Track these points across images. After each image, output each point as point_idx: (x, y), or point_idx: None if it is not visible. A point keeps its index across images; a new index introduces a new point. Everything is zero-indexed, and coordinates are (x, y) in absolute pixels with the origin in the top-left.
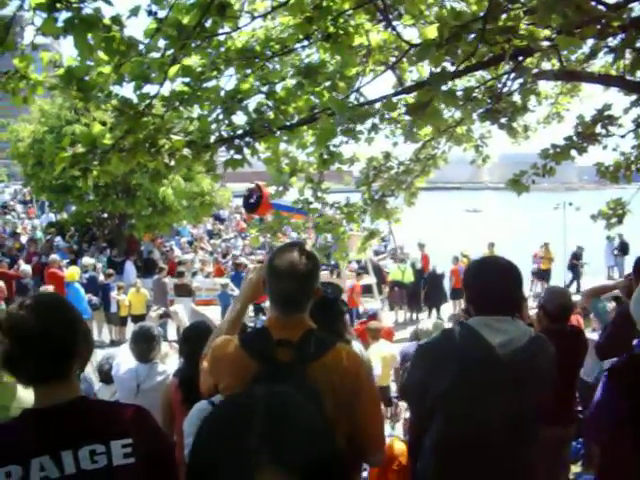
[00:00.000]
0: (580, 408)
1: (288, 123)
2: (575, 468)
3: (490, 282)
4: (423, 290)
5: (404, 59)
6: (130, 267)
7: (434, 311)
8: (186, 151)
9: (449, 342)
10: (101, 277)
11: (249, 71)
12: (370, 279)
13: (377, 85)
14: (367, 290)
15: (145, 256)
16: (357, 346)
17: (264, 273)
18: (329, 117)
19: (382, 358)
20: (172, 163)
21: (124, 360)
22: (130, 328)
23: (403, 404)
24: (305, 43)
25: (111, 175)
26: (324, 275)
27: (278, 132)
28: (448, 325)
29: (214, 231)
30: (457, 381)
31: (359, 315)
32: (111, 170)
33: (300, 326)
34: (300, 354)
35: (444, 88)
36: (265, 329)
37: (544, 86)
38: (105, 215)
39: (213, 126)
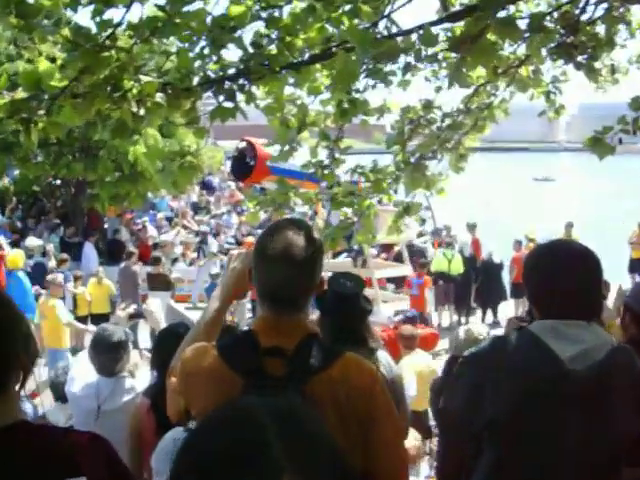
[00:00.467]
0: None
1: (296, 60)
2: None
3: (560, 275)
4: (474, 284)
5: None
6: (90, 251)
7: (489, 312)
8: (160, 97)
9: (502, 354)
10: (52, 263)
11: None
12: (406, 269)
13: (414, 10)
14: (402, 284)
15: (110, 236)
16: (384, 357)
17: (251, 260)
18: (349, 53)
19: (418, 374)
20: (141, 112)
21: (81, 373)
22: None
23: None
24: None
25: (62, 128)
26: (345, 264)
27: (282, 72)
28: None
29: (201, 204)
30: (513, 408)
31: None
32: (62, 122)
33: (297, 330)
34: (296, 367)
35: (501, 15)
36: (251, 334)
37: (638, 12)
38: (58, 182)
39: (196, 63)
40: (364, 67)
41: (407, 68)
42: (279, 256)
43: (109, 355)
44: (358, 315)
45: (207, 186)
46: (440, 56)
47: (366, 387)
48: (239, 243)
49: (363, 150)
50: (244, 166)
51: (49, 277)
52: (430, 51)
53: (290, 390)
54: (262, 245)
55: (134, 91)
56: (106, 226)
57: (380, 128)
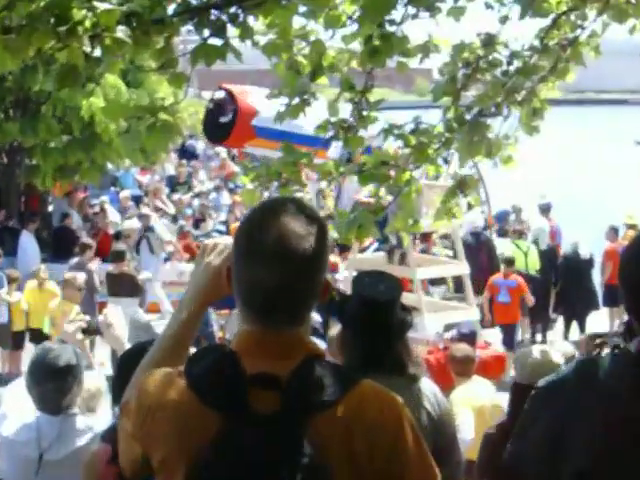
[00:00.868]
0: None
1: None
2: None
3: None
4: (554, 288)
5: None
6: (28, 242)
7: (574, 325)
8: (122, 31)
9: (593, 382)
10: None
11: None
12: (457, 267)
13: None
14: (456, 287)
15: (56, 223)
16: (429, 388)
17: (230, 255)
18: None
19: (477, 410)
20: (97, 53)
21: (15, 410)
22: (29, 352)
23: None
24: None
25: None
26: (376, 260)
27: None
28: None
29: (179, 178)
30: (612, 455)
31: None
32: None
33: (294, 351)
34: (293, 401)
35: None
36: (232, 356)
37: None
38: None
39: None
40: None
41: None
42: (270, 251)
43: (53, 385)
44: (393, 330)
45: (188, 153)
46: None
47: (389, 426)
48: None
49: (401, 104)
50: (221, 124)
51: None
52: None
53: (285, 434)
54: (246, 236)
55: (87, 24)
56: (50, 209)
57: (424, 73)
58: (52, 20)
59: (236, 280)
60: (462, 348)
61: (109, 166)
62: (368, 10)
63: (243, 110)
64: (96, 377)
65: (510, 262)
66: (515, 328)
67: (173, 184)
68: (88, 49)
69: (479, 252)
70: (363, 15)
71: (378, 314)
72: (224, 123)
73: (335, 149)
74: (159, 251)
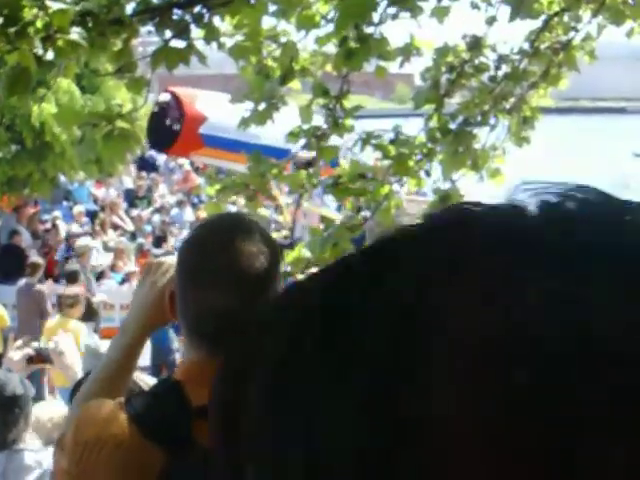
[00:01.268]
0: None
1: None
2: None
3: None
4: None
5: None
6: None
7: None
8: (77, 32)
9: None
10: None
11: None
12: None
13: None
14: None
15: (4, 241)
16: None
17: (173, 278)
18: None
19: None
20: (49, 55)
21: None
22: None
23: None
24: None
25: None
26: None
27: None
28: None
29: (138, 192)
30: None
31: None
32: None
33: None
34: None
35: None
36: (176, 387)
37: None
38: None
39: None
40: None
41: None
42: (217, 275)
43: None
44: None
45: (148, 165)
46: None
47: None
48: None
49: (380, 111)
50: (165, 131)
51: None
52: None
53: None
54: (189, 258)
55: (38, 24)
56: None
57: (405, 79)
58: (0, 20)
59: (181, 304)
60: None
61: (62, 179)
62: (343, 14)
63: (189, 116)
64: (58, 406)
65: None
66: None
67: (131, 198)
68: (40, 52)
69: None
70: (339, 18)
71: None
72: (169, 129)
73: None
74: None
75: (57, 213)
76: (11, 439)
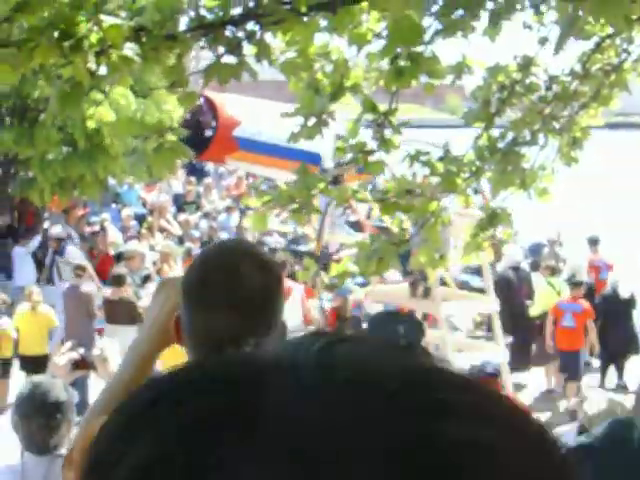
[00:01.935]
0: None
1: None
2: None
3: None
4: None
5: None
6: (23, 261)
7: (612, 369)
8: (131, 48)
9: (622, 445)
10: None
11: None
12: (488, 304)
13: None
14: (484, 325)
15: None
16: None
17: (178, 303)
18: None
19: None
20: (103, 70)
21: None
22: (17, 383)
23: None
24: None
25: None
26: (398, 293)
27: (311, 14)
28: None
29: (187, 196)
30: None
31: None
32: None
33: None
34: None
35: None
36: None
37: None
38: None
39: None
40: (430, 16)
41: (495, 19)
42: (218, 298)
43: (41, 422)
44: None
45: (197, 170)
46: (545, 5)
47: None
48: None
49: (431, 122)
50: (199, 136)
51: None
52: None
53: None
54: (191, 282)
55: (92, 39)
56: (46, 226)
57: (457, 90)
58: (56, 34)
59: (186, 327)
60: None
61: (111, 181)
62: (393, 38)
63: (223, 120)
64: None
65: (578, 285)
66: (579, 355)
67: (180, 203)
68: (93, 66)
69: (520, 287)
70: (388, 42)
71: None
72: (203, 134)
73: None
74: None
75: (106, 215)
76: (53, 444)
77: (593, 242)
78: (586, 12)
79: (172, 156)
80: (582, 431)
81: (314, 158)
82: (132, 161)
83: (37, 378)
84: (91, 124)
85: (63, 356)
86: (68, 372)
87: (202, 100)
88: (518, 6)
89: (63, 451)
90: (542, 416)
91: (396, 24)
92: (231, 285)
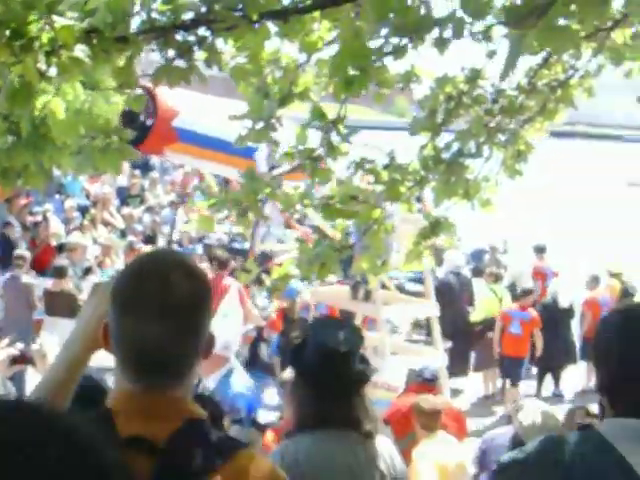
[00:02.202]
0: None
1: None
2: None
3: None
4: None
5: None
6: None
7: (548, 378)
8: (81, 49)
9: (554, 464)
10: None
11: None
12: (426, 308)
13: None
14: (424, 328)
15: None
16: (385, 446)
17: (106, 310)
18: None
19: (440, 469)
20: (52, 71)
21: None
22: None
23: None
24: None
25: None
26: (339, 294)
27: (263, 21)
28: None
29: (131, 190)
30: None
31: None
32: None
33: (173, 413)
34: (167, 467)
35: None
36: (106, 415)
37: None
38: None
39: (136, 1)
40: (378, 38)
41: (442, 43)
42: (151, 305)
43: None
44: (351, 382)
45: (142, 164)
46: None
47: None
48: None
49: (379, 124)
50: (138, 127)
51: None
52: (478, 25)
53: None
54: (120, 290)
55: (44, 40)
56: None
57: (406, 93)
58: (7, 33)
59: (114, 334)
60: (430, 400)
61: (55, 172)
62: (342, 58)
63: (162, 110)
64: None
65: (527, 293)
66: (522, 362)
67: (124, 196)
68: (43, 66)
69: (461, 293)
70: (338, 60)
71: (335, 365)
72: (142, 124)
73: (262, 160)
74: None
75: (49, 206)
76: None
77: (539, 250)
78: (533, 39)
79: (118, 157)
80: (516, 440)
81: (250, 151)
82: (79, 160)
83: None
84: (41, 112)
85: (2, 351)
86: (6, 367)
87: (143, 90)
88: (465, 32)
89: None
90: (480, 422)
91: (346, 45)
92: (161, 294)
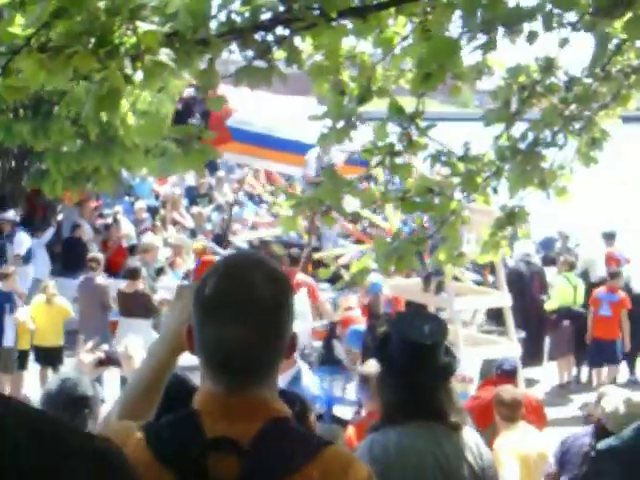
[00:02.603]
0: None
1: (360, 3)
2: None
3: None
4: None
5: None
6: (37, 253)
7: (623, 367)
8: (165, 53)
9: None
10: None
11: None
12: (499, 298)
13: None
14: (496, 319)
15: (67, 235)
16: (472, 438)
17: (190, 312)
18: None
19: (522, 459)
20: (138, 75)
21: None
22: (33, 375)
23: None
24: None
25: (24, 92)
26: (410, 287)
27: (341, 19)
28: None
29: (199, 189)
30: None
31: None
32: (23, 83)
33: (258, 413)
34: (255, 467)
35: None
36: (193, 416)
37: None
38: None
39: (214, 2)
40: (466, 35)
41: (532, 37)
42: (229, 306)
43: (69, 417)
44: (437, 374)
45: (208, 163)
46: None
47: None
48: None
49: (441, 115)
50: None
51: None
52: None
53: None
54: (203, 293)
55: (128, 44)
56: (60, 218)
57: (468, 85)
58: (93, 41)
59: (198, 337)
60: (510, 390)
61: (124, 174)
62: (429, 55)
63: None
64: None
65: (616, 275)
66: (616, 344)
67: (193, 195)
68: (129, 71)
69: (532, 281)
70: (425, 59)
71: (422, 358)
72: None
73: (312, 161)
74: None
75: (118, 208)
76: None
77: (609, 236)
78: (621, 32)
79: (202, 157)
80: (600, 430)
81: (301, 148)
82: (161, 164)
83: (64, 373)
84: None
85: (88, 354)
86: (93, 368)
87: (193, 90)
88: (555, 24)
89: None
90: (556, 410)
91: (435, 40)
92: (243, 295)
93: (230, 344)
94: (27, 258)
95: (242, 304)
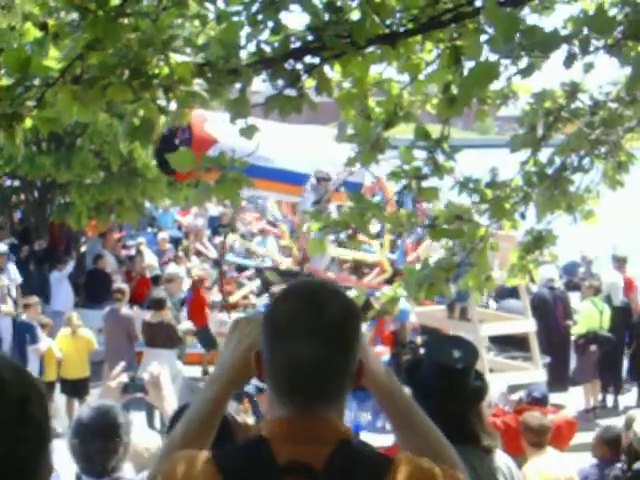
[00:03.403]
0: None
1: (388, 30)
2: None
3: None
4: (627, 349)
5: None
6: (61, 285)
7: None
8: (198, 83)
9: None
10: (5, 307)
11: None
12: (524, 324)
13: None
14: (517, 344)
15: (90, 266)
16: (503, 461)
17: (258, 339)
18: (475, 32)
19: None
20: (172, 105)
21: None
22: (59, 405)
23: None
24: None
25: (57, 124)
26: (434, 314)
27: (370, 47)
28: None
29: (222, 219)
30: None
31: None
32: (56, 116)
33: (327, 435)
34: None
35: None
36: (263, 442)
37: None
38: (14, 183)
39: (244, 32)
40: (502, 60)
41: (570, 60)
42: (298, 327)
43: (100, 444)
44: (468, 398)
45: None
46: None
47: None
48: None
49: (462, 141)
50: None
51: None
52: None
53: None
54: (275, 317)
55: (162, 74)
56: (83, 249)
57: (489, 110)
58: (127, 72)
59: (268, 359)
60: (538, 417)
61: (147, 205)
62: (469, 83)
63: (198, 138)
64: (153, 435)
65: None
66: None
67: (215, 226)
68: (163, 102)
69: (555, 306)
70: (464, 89)
71: (453, 382)
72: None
73: (310, 191)
74: None
75: (141, 239)
76: (111, 467)
77: (620, 261)
78: None
79: (235, 187)
80: (631, 452)
81: (303, 179)
82: (196, 195)
83: (94, 402)
84: (125, 147)
85: (117, 378)
86: (119, 395)
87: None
88: (591, 48)
89: (121, 474)
90: (581, 436)
91: (478, 66)
92: (313, 316)
93: (300, 360)
94: None
95: (311, 323)
